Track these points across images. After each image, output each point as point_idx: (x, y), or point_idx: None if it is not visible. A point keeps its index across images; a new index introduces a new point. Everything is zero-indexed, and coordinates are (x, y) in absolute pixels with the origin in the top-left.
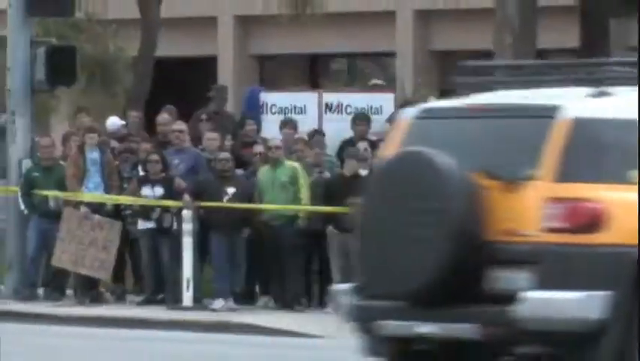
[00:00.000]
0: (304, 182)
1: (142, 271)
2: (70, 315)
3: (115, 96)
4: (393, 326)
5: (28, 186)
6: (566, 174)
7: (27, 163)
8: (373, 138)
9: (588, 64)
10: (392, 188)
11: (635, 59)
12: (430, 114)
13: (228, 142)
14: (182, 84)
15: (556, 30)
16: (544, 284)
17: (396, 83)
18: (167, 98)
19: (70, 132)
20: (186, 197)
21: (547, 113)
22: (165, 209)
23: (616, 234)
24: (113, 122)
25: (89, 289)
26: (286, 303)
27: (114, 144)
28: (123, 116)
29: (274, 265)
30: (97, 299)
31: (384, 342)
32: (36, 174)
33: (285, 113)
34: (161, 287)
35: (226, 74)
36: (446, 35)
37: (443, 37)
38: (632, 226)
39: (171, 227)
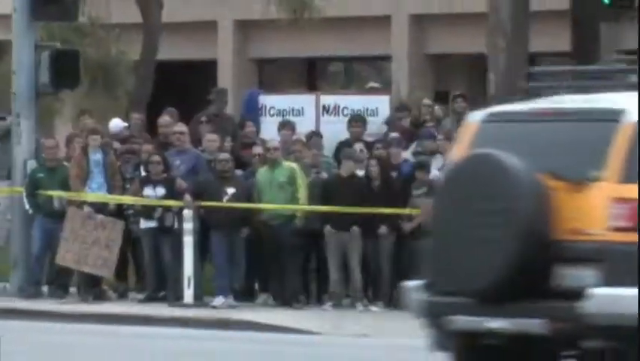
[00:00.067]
0: (302, 182)
1: (144, 269)
2: (73, 312)
3: (117, 99)
4: (464, 321)
5: (33, 186)
6: (630, 175)
7: (32, 164)
8: (369, 139)
9: None
10: (462, 189)
11: None
12: (497, 118)
13: (228, 143)
14: (183, 87)
15: (547, 34)
16: (609, 281)
17: (392, 85)
18: (169, 100)
19: (73, 134)
20: (187, 197)
21: (612, 117)
22: (167, 209)
23: None
24: (116, 124)
25: (92, 287)
26: (285, 300)
27: (117, 145)
28: (125, 119)
29: (273, 264)
30: (100, 297)
31: (451, 337)
32: (40, 174)
33: (283, 115)
34: (162, 285)
35: (226, 77)
36: (440, 39)
37: (437, 41)
38: None
39: (172, 226)
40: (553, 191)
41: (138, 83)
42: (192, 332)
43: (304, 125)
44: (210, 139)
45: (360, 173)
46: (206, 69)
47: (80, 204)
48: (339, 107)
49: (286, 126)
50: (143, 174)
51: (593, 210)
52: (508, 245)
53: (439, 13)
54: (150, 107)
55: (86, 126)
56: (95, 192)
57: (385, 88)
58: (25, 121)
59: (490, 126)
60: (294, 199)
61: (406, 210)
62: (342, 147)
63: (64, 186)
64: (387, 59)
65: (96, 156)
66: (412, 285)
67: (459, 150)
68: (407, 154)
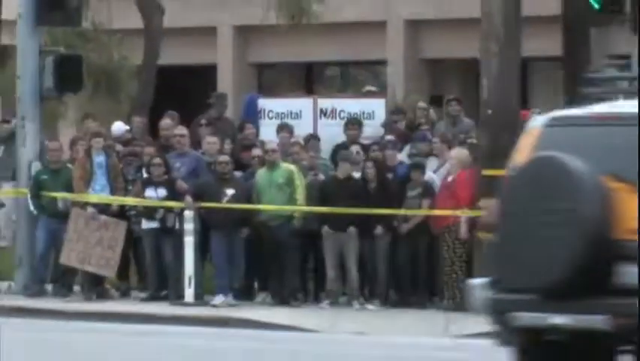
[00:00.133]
0: (300, 183)
1: (146, 268)
2: (77, 311)
3: (120, 103)
4: (528, 318)
5: (37, 187)
6: None
7: (36, 166)
8: (365, 141)
9: None
10: (527, 191)
11: None
12: (558, 122)
13: (228, 146)
14: (184, 91)
15: (539, 38)
16: None
17: (388, 89)
18: (170, 104)
19: (77, 137)
20: (188, 198)
21: None
22: (168, 210)
23: None
24: (118, 127)
25: (95, 286)
26: (283, 299)
27: (119, 147)
28: (127, 122)
29: (272, 263)
30: (103, 295)
31: (515, 333)
32: (45, 176)
33: (281, 119)
34: (164, 284)
35: (226, 81)
36: (435, 44)
37: (432, 46)
38: None
39: (174, 227)
40: (615, 192)
41: (140, 87)
42: (193, 329)
43: (302, 128)
44: (210, 142)
45: (357, 175)
46: (207, 74)
47: (84, 206)
48: (336, 110)
49: (284, 129)
50: (145, 175)
51: None
52: (572, 244)
53: (434, 19)
54: (152, 110)
55: (89, 129)
56: (98, 194)
57: (381, 92)
58: (30, 124)
59: (552, 130)
60: (292, 200)
61: (401, 211)
62: (339, 149)
63: (68, 187)
64: (383, 63)
65: (99, 159)
66: (477, 283)
67: (522, 154)
68: (402, 156)
